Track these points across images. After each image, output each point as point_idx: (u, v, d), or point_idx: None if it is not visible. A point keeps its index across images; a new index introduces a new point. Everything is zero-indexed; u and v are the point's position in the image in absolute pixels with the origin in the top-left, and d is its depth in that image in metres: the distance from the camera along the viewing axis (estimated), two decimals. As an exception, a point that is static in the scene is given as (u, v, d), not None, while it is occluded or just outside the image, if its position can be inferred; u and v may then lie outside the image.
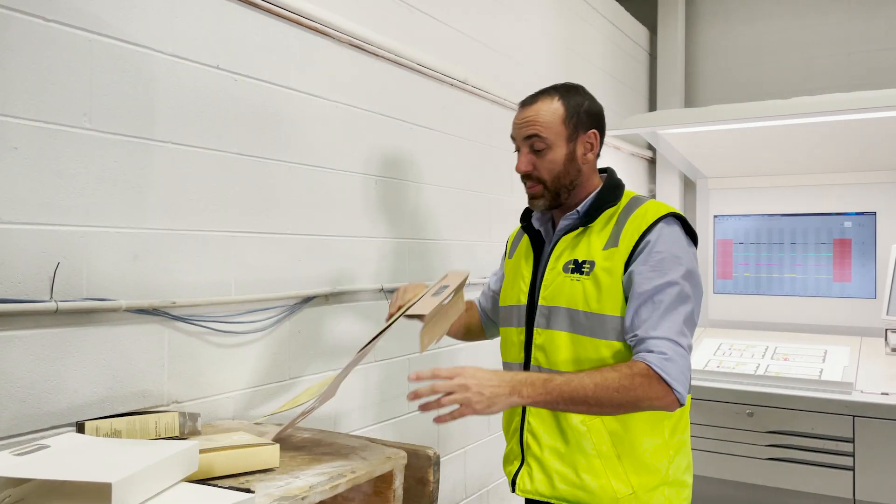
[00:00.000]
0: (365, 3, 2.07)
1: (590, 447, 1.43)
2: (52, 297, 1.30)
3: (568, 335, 1.45)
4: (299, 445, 1.40)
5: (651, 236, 1.41)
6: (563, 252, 1.51)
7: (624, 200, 1.51)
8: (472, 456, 2.62)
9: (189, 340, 1.57)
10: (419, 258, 2.31)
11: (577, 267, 1.47)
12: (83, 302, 1.35)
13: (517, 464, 1.55)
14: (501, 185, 2.78)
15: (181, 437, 1.38)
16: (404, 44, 2.20)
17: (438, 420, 1.27)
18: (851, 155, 3.24)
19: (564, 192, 1.51)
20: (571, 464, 1.45)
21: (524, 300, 1.55)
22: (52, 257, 1.31)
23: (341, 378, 1.41)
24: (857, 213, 3.39)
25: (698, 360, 2.93)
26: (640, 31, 4.38)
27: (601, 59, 3.74)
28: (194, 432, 1.41)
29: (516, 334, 1.56)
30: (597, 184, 1.55)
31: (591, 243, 1.47)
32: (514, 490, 1.55)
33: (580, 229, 1.50)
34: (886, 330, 2.93)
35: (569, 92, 1.52)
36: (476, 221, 2.65)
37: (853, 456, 2.47)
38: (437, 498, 1.48)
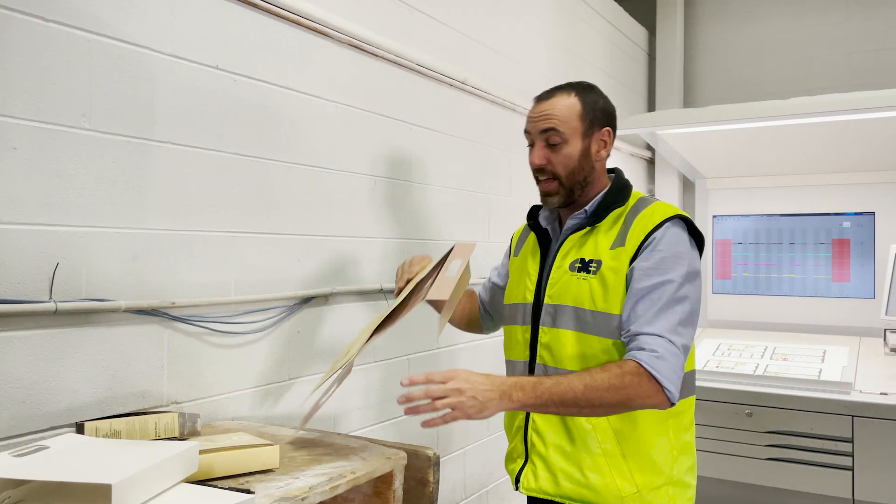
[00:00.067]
0: (364, 4, 2.07)
1: (595, 445, 1.43)
2: (51, 298, 1.30)
3: (574, 334, 1.45)
4: (299, 446, 1.40)
5: (656, 235, 1.41)
6: (569, 251, 1.51)
7: (631, 201, 1.52)
8: (471, 456, 2.62)
9: (188, 341, 1.56)
10: (418, 258, 2.31)
11: (584, 266, 1.47)
12: (82, 302, 1.35)
13: (521, 462, 1.55)
14: (500, 186, 2.78)
15: (181, 438, 1.38)
16: (404, 44, 2.20)
17: (427, 424, 1.26)
18: (850, 155, 3.24)
19: (578, 189, 1.51)
20: (576, 462, 1.45)
21: (530, 298, 1.55)
22: (52, 258, 1.31)
23: (355, 354, 1.41)
24: (856, 213, 3.39)
25: (697, 360, 2.93)
26: (638, 31, 4.38)
27: (600, 59, 3.74)
28: (194, 433, 1.41)
29: (521, 332, 1.56)
30: (605, 183, 1.56)
31: (598, 243, 1.48)
32: (517, 488, 1.55)
33: (587, 229, 1.51)
34: (885, 330, 2.93)
35: (584, 89, 1.53)
36: (475, 222, 2.65)
37: (852, 456, 2.47)
38: (436, 498, 1.47)
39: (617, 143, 4.07)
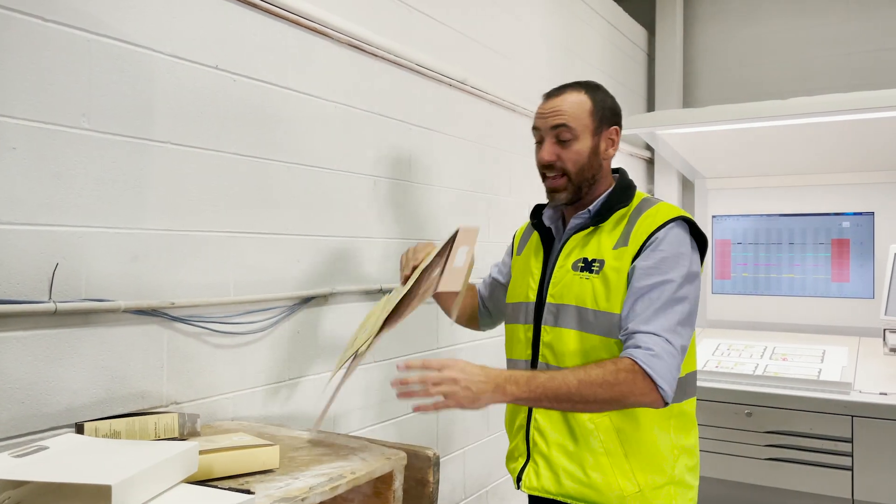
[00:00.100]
0: (363, 4, 2.07)
1: (598, 445, 1.44)
2: (50, 298, 1.30)
3: (576, 333, 1.45)
4: (299, 446, 1.40)
5: (658, 235, 1.42)
6: (572, 250, 1.51)
7: (635, 201, 1.52)
8: (471, 456, 2.62)
9: (188, 341, 1.56)
10: (418, 258, 2.31)
11: (587, 265, 1.47)
12: (82, 303, 1.35)
13: (522, 461, 1.55)
14: (500, 186, 2.78)
15: (181, 438, 1.38)
16: (403, 44, 2.20)
17: (419, 409, 1.28)
18: (850, 155, 3.24)
19: (586, 186, 1.52)
20: (579, 461, 1.45)
21: (532, 297, 1.55)
22: (51, 258, 1.31)
23: (365, 350, 1.41)
24: (856, 214, 3.39)
25: (697, 360, 2.93)
26: (638, 31, 4.38)
27: (599, 59, 3.74)
28: (194, 433, 1.41)
29: (523, 331, 1.57)
30: (610, 183, 1.56)
31: (602, 242, 1.48)
32: (518, 487, 1.55)
33: (591, 228, 1.51)
34: (885, 330, 2.94)
35: (593, 88, 1.54)
36: (474, 222, 2.65)
37: (851, 456, 2.48)
38: (436, 499, 1.47)
39: (616, 143, 3.99)
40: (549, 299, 1.51)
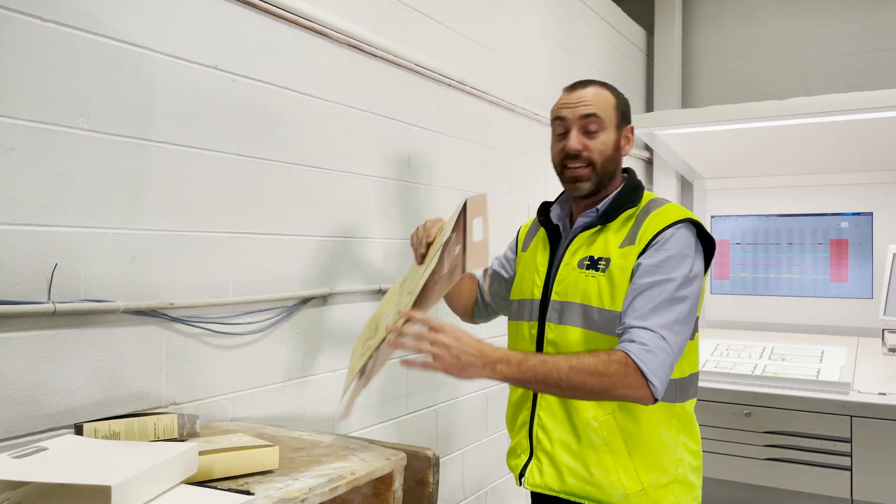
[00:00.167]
0: (363, 4, 2.07)
1: (601, 442, 1.44)
2: (49, 299, 1.30)
3: (581, 331, 1.45)
4: (298, 447, 1.40)
5: (665, 234, 1.42)
6: (578, 248, 1.52)
7: (643, 201, 1.53)
8: (470, 457, 2.62)
9: (187, 342, 1.56)
10: (417, 259, 2.31)
11: (593, 263, 1.47)
12: (81, 303, 1.34)
13: (525, 457, 1.55)
14: (499, 186, 2.78)
15: (180, 439, 1.38)
16: (402, 44, 2.20)
17: (405, 362, 1.29)
18: (848, 155, 3.25)
19: (606, 179, 1.53)
20: (582, 459, 1.45)
21: (538, 294, 1.56)
22: (50, 258, 1.30)
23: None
24: (854, 214, 3.40)
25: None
26: (636, 31, 4.38)
27: (598, 59, 3.74)
28: (193, 434, 1.41)
29: (528, 328, 1.57)
30: (619, 183, 1.57)
31: (608, 241, 1.48)
32: (520, 484, 1.56)
33: (598, 227, 1.51)
34: (883, 330, 2.94)
35: (610, 86, 1.57)
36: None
37: (850, 456, 2.48)
38: (436, 499, 1.47)
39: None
40: (553, 297, 1.51)
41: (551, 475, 1.49)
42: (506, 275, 1.76)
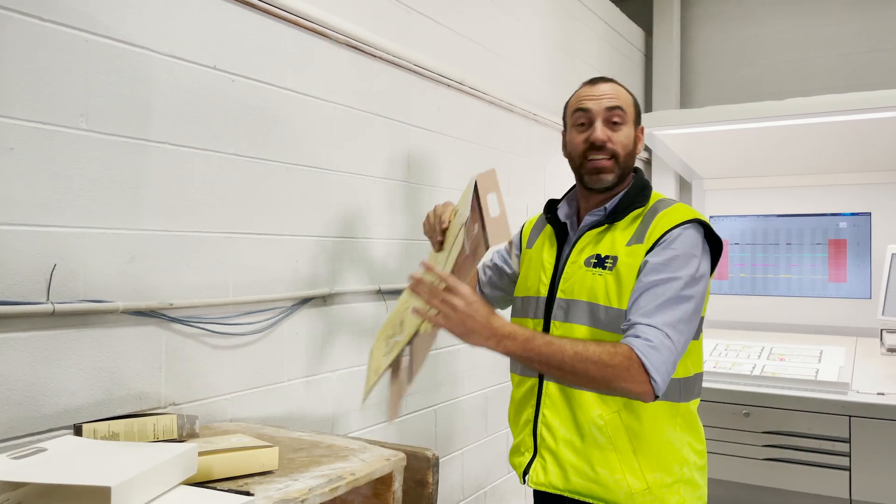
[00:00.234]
0: (362, 4, 2.07)
1: (606, 441, 1.43)
2: (48, 299, 1.29)
3: (587, 329, 1.45)
4: (298, 447, 1.40)
5: (672, 234, 1.42)
6: (585, 247, 1.52)
7: (651, 202, 1.53)
8: (469, 457, 2.62)
9: (186, 342, 1.56)
10: (417, 260, 2.31)
11: (600, 262, 1.47)
12: (80, 304, 1.34)
13: (529, 455, 1.55)
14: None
15: (179, 440, 1.37)
16: (402, 44, 2.20)
17: (415, 310, 1.31)
18: (847, 155, 3.25)
19: (625, 175, 1.54)
20: (587, 457, 1.45)
21: (544, 292, 1.56)
22: (49, 259, 1.30)
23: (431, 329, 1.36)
24: (853, 214, 3.40)
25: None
26: (635, 31, 4.39)
27: (597, 59, 3.74)
28: (192, 434, 1.41)
29: (532, 326, 1.57)
30: (628, 182, 1.57)
31: (615, 239, 1.48)
32: (524, 482, 1.55)
33: (605, 226, 1.52)
34: (882, 330, 2.95)
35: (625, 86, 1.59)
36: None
37: (849, 456, 2.48)
38: (436, 499, 1.47)
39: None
40: (559, 295, 1.51)
41: (556, 473, 1.48)
42: (508, 270, 1.76)
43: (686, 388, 1.48)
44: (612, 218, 1.51)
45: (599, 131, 1.50)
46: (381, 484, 1.35)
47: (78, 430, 1.29)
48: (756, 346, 3.08)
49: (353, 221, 2.05)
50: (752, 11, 4.28)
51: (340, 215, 1.99)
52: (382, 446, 1.42)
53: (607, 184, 1.51)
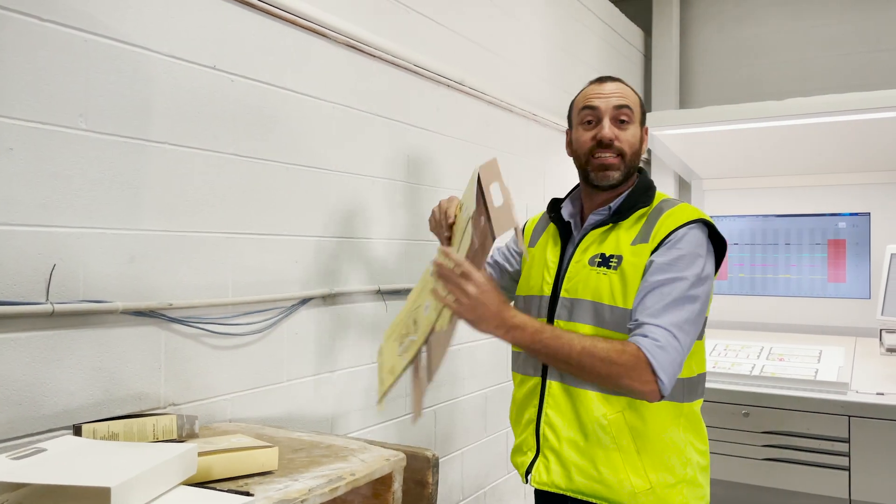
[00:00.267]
0: (361, 4, 2.07)
1: (609, 441, 1.43)
2: (48, 299, 1.29)
3: (592, 328, 1.45)
4: (298, 448, 1.40)
5: (678, 234, 1.42)
6: (589, 246, 1.52)
7: (655, 201, 1.53)
8: (469, 457, 2.62)
9: (186, 342, 1.56)
10: (416, 260, 2.31)
11: (605, 261, 1.47)
12: (79, 304, 1.34)
13: (531, 455, 1.54)
14: (498, 186, 2.77)
15: (179, 440, 1.37)
16: (400, 44, 2.20)
17: (432, 292, 1.34)
18: (846, 156, 3.26)
19: (630, 173, 1.54)
20: (590, 457, 1.45)
21: (548, 291, 1.55)
22: (48, 259, 1.30)
23: (447, 323, 1.36)
24: (852, 214, 3.40)
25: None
26: (634, 31, 4.39)
27: (596, 59, 3.74)
28: (192, 435, 1.40)
29: None
30: (632, 182, 1.57)
31: (620, 238, 1.48)
32: (526, 481, 1.55)
33: (609, 225, 1.51)
34: (881, 330, 2.95)
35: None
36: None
37: (849, 456, 2.48)
38: (435, 500, 1.47)
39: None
40: (563, 294, 1.51)
41: (559, 473, 1.48)
42: (510, 268, 1.76)
43: (690, 388, 1.48)
44: (617, 217, 1.51)
45: (607, 129, 1.50)
46: (380, 484, 1.35)
47: (77, 431, 1.29)
48: (755, 346, 3.08)
49: (353, 221, 2.05)
50: (751, 11, 4.28)
51: (340, 215, 1.99)
52: (382, 446, 1.42)
53: (613, 181, 1.51)
